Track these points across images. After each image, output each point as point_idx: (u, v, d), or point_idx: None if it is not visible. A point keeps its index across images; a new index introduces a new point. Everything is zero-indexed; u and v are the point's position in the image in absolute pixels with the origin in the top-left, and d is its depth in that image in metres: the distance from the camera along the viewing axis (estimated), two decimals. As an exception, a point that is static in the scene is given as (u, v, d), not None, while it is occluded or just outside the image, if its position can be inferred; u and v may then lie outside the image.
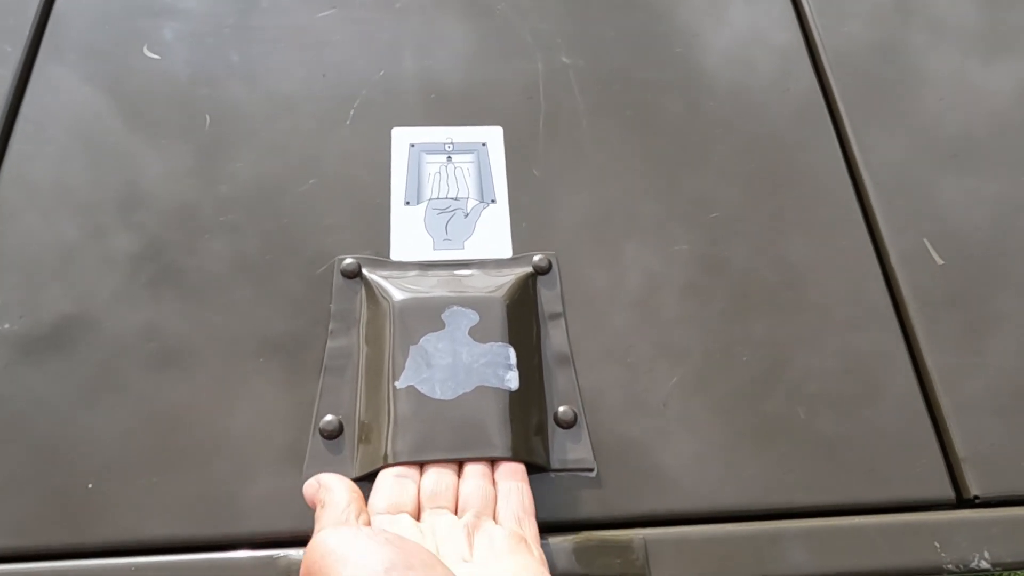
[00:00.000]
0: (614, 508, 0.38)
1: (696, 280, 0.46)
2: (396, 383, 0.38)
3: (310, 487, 0.34)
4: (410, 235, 0.46)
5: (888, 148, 0.52)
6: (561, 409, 0.40)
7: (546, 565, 0.32)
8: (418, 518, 0.34)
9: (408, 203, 0.47)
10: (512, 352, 0.39)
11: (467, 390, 0.38)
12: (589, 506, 0.38)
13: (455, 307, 0.41)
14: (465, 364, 0.39)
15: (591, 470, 0.39)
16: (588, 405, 0.41)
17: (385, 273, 0.44)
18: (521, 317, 0.42)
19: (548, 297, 0.44)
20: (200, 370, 0.41)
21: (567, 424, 0.40)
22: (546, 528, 0.37)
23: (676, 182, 0.50)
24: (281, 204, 0.47)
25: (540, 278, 0.45)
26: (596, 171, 0.50)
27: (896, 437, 0.41)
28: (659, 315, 0.44)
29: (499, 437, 0.37)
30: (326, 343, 0.42)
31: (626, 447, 0.40)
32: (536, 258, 0.45)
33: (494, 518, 0.34)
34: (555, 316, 0.44)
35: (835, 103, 0.54)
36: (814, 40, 0.57)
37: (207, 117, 0.50)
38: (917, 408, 0.42)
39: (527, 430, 0.38)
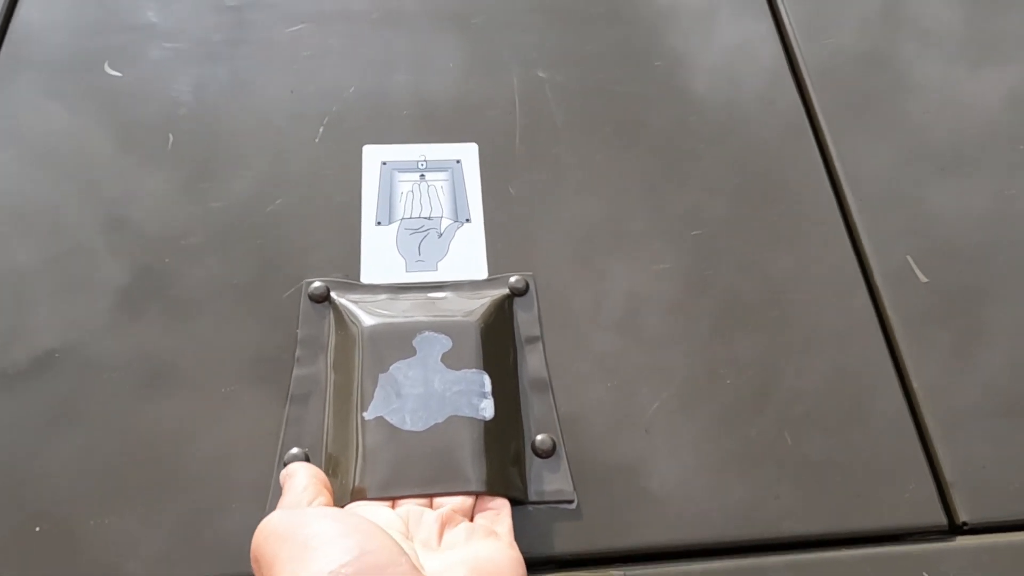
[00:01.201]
0: (594, 542, 0.37)
1: (678, 300, 0.45)
2: (364, 414, 0.36)
3: (282, 476, 0.34)
4: (381, 256, 0.44)
5: (871, 163, 0.51)
6: (539, 438, 0.39)
7: (516, 549, 0.31)
8: None
9: (379, 223, 0.46)
10: (487, 379, 0.38)
11: (439, 420, 0.36)
12: (568, 540, 0.37)
13: (427, 332, 0.39)
14: (437, 393, 0.37)
15: (571, 502, 0.37)
16: (567, 432, 0.39)
17: (355, 297, 0.42)
18: (496, 342, 0.40)
19: (525, 320, 0.43)
20: (159, 402, 0.39)
21: (545, 453, 0.38)
22: (523, 565, 0.35)
23: (657, 199, 0.48)
24: (247, 225, 0.45)
25: (517, 300, 0.43)
26: (574, 188, 0.48)
27: (884, 461, 0.40)
28: (640, 337, 0.43)
29: (473, 470, 0.35)
30: (292, 371, 0.40)
31: (607, 476, 0.39)
32: (512, 279, 0.44)
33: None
34: (532, 340, 0.42)
35: (817, 118, 0.53)
36: (795, 54, 0.56)
37: (170, 136, 0.48)
38: (905, 432, 0.41)
39: (503, 462, 0.36)
